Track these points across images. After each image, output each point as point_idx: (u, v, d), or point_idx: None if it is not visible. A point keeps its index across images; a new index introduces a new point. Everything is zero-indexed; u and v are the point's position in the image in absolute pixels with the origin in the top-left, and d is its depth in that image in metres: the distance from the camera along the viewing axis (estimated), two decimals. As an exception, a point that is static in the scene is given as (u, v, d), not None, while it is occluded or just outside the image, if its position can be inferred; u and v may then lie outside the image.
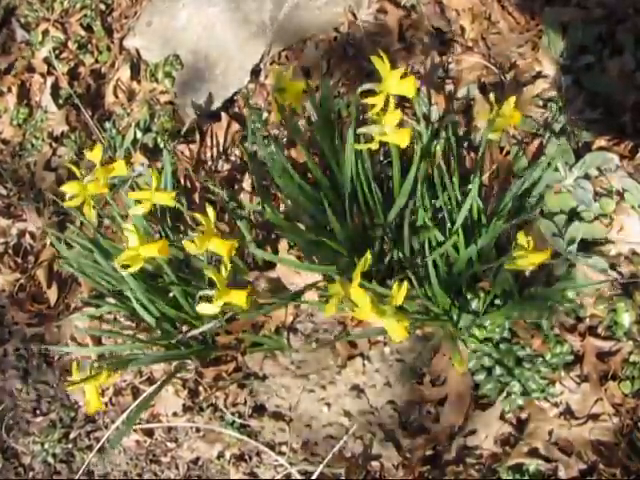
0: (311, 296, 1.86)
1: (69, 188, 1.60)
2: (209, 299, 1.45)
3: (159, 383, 1.83)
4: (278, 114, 1.69)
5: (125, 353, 1.91)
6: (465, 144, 1.93)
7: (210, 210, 1.49)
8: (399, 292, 1.34)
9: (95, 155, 1.62)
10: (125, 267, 1.52)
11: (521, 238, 1.44)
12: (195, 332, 1.73)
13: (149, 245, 1.51)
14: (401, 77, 1.44)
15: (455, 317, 1.71)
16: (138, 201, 1.62)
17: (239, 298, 1.46)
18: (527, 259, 1.45)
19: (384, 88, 1.43)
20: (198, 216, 1.48)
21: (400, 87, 1.45)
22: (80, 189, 1.60)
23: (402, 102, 2.03)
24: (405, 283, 1.34)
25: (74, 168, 1.63)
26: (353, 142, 1.58)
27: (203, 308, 1.45)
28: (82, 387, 1.61)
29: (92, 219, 1.67)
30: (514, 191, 1.69)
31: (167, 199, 1.58)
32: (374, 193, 1.70)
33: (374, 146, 1.48)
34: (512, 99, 1.54)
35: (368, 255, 1.36)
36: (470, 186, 1.61)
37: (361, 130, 1.49)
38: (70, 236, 2.06)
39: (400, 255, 1.73)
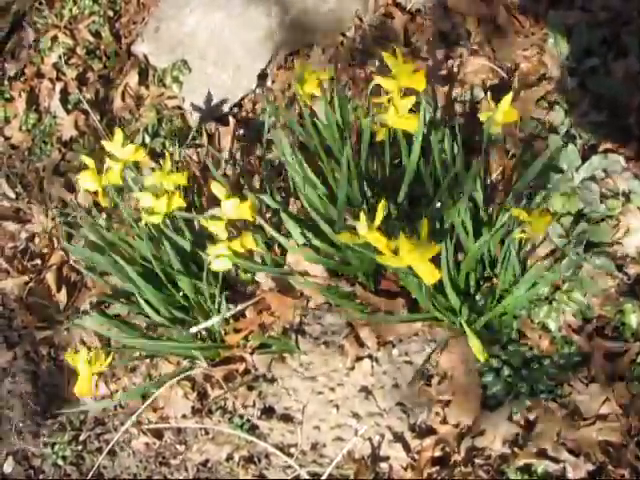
0: (318, 300, 1.89)
1: (84, 177, 1.63)
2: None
3: (168, 383, 1.86)
4: (302, 98, 1.72)
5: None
6: (470, 145, 1.94)
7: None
8: (423, 230, 1.38)
9: (116, 139, 1.65)
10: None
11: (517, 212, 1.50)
12: (203, 325, 1.76)
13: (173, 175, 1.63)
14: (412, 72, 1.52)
15: (465, 317, 1.71)
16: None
17: (247, 239, 1.58)
18: (533, 225, 1.50)
19: (395, 79, 1.50)
20: (216, 183, 1.56)
21: (410, 80, 1.52)
22: (95, 178, 1.63)
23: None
24: (426, 221, 1.39)
25: (88, 160, 1.65)
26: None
27: (217, 265, 1.54)
28: (89, 388, 1.63)
29: (108, 206, 1.71)
30: (519, 185, 1.70)
31: (182, 179, 1.65)
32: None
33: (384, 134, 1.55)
34: (508, 96, 1.60)
35: (384, 202, 1.41)
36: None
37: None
38: (84, 233, 2.08)
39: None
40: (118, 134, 1.66)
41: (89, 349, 1.66)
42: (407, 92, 1.55)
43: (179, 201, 1.63)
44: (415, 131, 1.63)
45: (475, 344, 1.61)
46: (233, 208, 1.53)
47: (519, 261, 1.68)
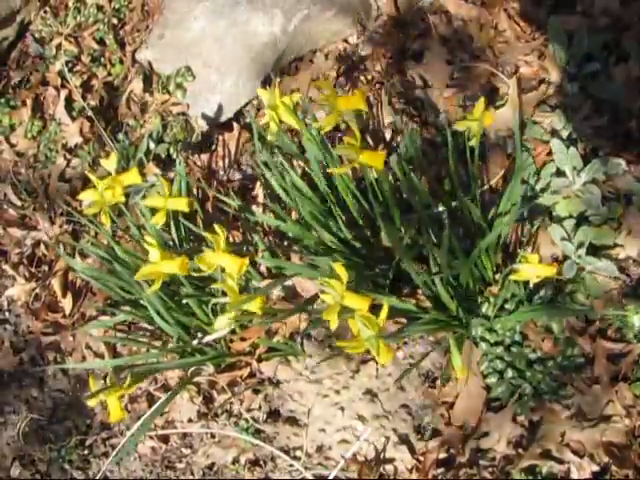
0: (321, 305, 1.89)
1: (86, 196, 1.64)
2: (222, 308, 1.48)
3: (174, 390, 1.86)
4: (273, 132, 1.71)
5: (140, 362, 1.93)
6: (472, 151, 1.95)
7: (218, 228, 1.51)
8: (381, 316, 1.37)
9: (110, 163, 1.65)
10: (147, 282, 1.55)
11: (529, 257, 1.47)
12: (210, 338, 1.76)
13: (170, 261, 1.53)
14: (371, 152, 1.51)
15: (465, 321, 1.73)
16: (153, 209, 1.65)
17: (254, 305, 1.49)
18: (533, 272, 1.48)
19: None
20: (209, 235, 1.51)
21: (370, 160, 1.50)
22: (97, 197, 1.63)
23: (409, 109, 2.06)
24: (386, 307, 1.38)
25: (92, 176, 1.66)
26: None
27: (219, 323, 1.48)
28: (121, 411, 1.63)
29: (108, 227, 1.70)
30: (509, 193, 1.70)
31: (182, 205, 1.62)
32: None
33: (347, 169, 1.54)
34: (480, 101, 1.60)
35: (340, 266, 1.39)
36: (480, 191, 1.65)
37: (340, 151, 1.53)
38: (85, 246, 2.10)
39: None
40: (112, 158, 1.66)
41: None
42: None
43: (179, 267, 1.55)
44: (380, 169, 1.56)
45: (457, 362, 1.62)
46: (227, 262, 1.51)
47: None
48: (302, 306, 1.84)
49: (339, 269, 1.38)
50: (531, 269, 1.47)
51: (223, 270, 1.56)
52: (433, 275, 1.63)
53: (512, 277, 1.52)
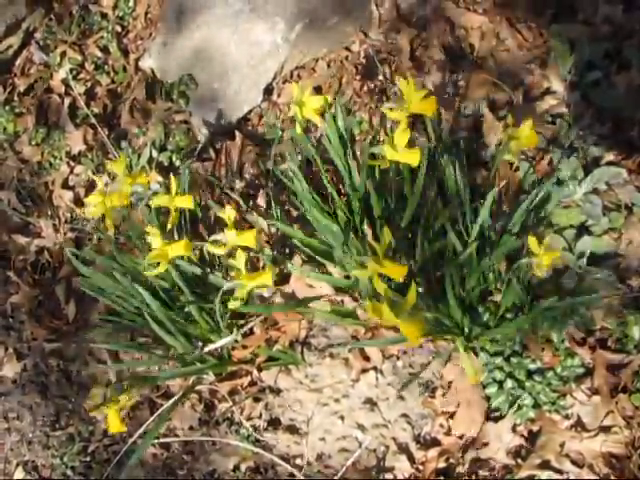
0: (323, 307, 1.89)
1: (93, 199, 1.66)
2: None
3: (176, 398, 1.87)
4: (298, 127, 1.72)
5: (142, 369, 1.94)
6: (474, 160, 1.95)
7: (229, 208, 1.56)
8: (411, 292, 1.36)
9: (118, 166, 1.67)
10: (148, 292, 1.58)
11: (532, 243, 1.48)
12: (213, 347, 1.77)
13: (175, 244, 1.57)
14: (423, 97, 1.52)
15: (467, 330, 1.73)
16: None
17: (265, 278, 1.53)
18: (539, 258, 1.49)
19: (407, 107, 1.50)
20: (221, 213, 1.55)
21: (421, 106, 1.52)
22: (102, 201, 1.64)
23: (412, 117, 2.06)
24: (414, 284, 1.37)
25: (97, 179, 1.68)
26: (367, 159, 1.63)
27: (234, 304, 1.55)
28: (120, 423, 1.65)
29: (111, 232, 1.72)
30: (524, 208, 1.71)
31: (187, 202, 1.63)
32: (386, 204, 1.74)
33: (385, 164, 1.52)
34: (529, 123, 1.55)
35: (387, 230, 1.40)
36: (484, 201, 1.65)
37: (374, 149, 1.53)
38: (88, 252, 2.11)
39: (412, 267, 1.76)
40: (121, 159, 1.68)
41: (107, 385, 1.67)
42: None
43: (184, 248, 1.60)
44: (416, 165, 1.54)
45: (468, 366, 1.62)
46: (236, 237, 1.54)
47: (522, 286, 1.70)
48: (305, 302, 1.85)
49: (386, 233, 1.40)
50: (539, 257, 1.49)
51: (230, 254, 1.58)
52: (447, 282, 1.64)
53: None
